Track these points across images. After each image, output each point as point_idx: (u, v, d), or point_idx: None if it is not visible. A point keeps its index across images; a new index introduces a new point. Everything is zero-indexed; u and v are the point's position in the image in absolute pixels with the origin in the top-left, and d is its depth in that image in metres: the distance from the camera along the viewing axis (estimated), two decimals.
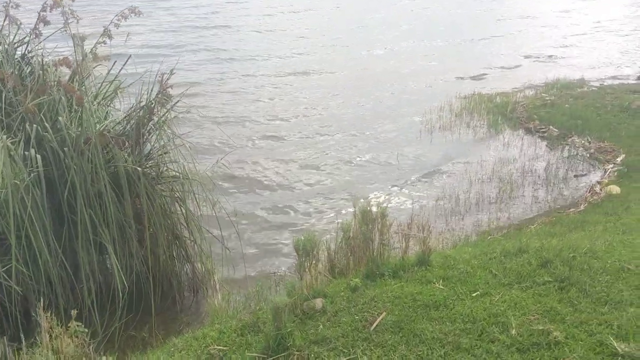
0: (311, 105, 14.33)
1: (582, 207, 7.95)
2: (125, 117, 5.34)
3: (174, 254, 6.00)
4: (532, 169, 9.78)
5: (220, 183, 8.73)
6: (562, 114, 12.22)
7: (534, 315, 3.98)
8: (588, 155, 10.20)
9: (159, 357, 4.34)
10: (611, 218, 6.87)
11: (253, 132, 12.08)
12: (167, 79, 5.23)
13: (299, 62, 18.99)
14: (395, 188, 9.22)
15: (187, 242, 6.00)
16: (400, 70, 18.24)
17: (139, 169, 5.20)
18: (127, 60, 5.73)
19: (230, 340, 4.41)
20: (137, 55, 7.40)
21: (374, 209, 5.08)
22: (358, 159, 10.59)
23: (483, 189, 8.99)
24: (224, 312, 5.13)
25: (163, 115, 5.42)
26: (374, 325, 4.16)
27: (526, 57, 20.25)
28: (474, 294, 4.47)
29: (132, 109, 5.36)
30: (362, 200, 5.17)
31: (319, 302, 4.70)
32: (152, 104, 5.18)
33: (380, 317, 4.23)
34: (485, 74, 17.91)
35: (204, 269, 5.91)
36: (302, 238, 4.85)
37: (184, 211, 5.86)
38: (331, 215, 8.25)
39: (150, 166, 5.46)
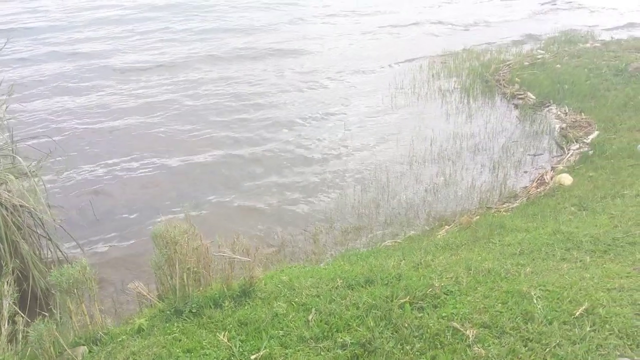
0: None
1: (517, 203, 6.69)
2: None
3: None
4: (486, 146, 8.46)
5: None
6: (549, 76, 10.66)
7: None
8: (559, 130, 8.76)
9: None
10: (531, 225, 5.64)
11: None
12: None
13: None
14: (311, 168, 8.10)
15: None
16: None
17: None
18: None
19: None
20: None
21: (174, 231, 4.06)
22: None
23: (417, 172, 7.78)
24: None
25: None
26: None
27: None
28: (252, 357, 3.48)
29: None
30: (162, 218, 4.18)
31: (79, 354, 3.82)
32: None
33: None
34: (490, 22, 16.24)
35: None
36: (69, 270, 3.93)
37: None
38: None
39: None
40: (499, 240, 5.29)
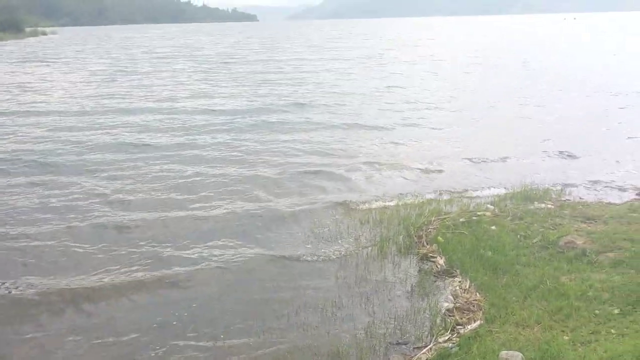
0: None
1: None
2: None
3: None
4: (348, 322, 7.14)
5: None
6: (475, 238, 9.36)
7: None
8: (444, 311, 7.37)
9: None
10: None
11: None
12: None
13: None
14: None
15: None
16: None
17: None
18: None
19: None
20: None
21: None
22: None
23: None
24: None
25: None
26: None
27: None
28: None
29: None
30: None
31: None
32: None
33: None
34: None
35: None
36: None
37: None
38: None
39: None
40: None
